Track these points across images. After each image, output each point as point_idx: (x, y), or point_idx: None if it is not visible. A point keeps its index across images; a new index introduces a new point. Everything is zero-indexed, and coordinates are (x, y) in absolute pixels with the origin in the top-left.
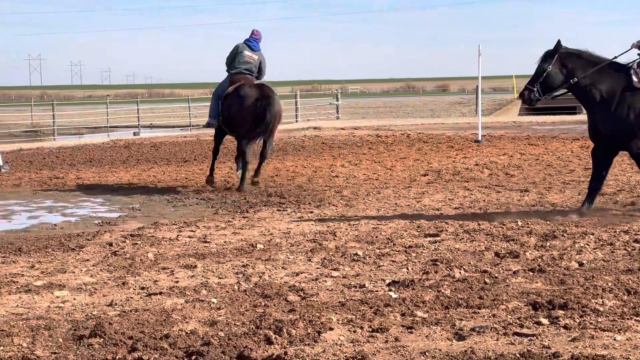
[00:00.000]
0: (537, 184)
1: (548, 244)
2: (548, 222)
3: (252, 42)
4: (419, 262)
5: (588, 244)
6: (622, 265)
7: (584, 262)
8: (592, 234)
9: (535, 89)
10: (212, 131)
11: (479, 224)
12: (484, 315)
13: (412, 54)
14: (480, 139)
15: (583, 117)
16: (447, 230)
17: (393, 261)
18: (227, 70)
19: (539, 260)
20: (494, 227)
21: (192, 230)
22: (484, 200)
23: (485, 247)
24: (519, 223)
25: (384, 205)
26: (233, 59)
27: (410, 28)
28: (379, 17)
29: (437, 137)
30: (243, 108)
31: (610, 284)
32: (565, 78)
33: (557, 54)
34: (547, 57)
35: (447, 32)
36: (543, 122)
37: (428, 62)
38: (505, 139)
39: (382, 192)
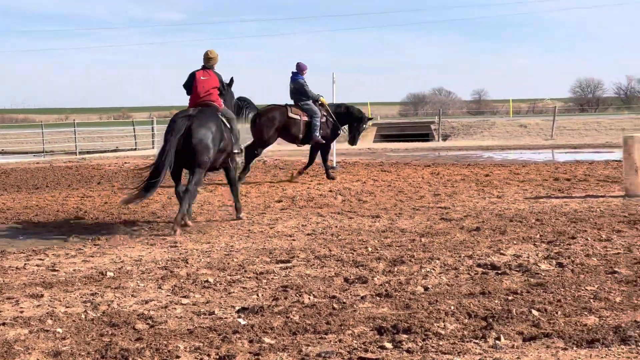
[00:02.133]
0: (389, 209)
1: (396, 269)
2: (397, 248)
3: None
4: (270, 288)
5: (434, 269)
6: (465, 289)
7: (429, 286)
8: (439, 259)
9: None
10: (64, 157)
11: (330, 250)
12: (330, 341)
13: (265, 81)
14: (335, 165)
15: (436, 144)
16: (298, 257)
17: (244, 288)
18: None
19: (387, 285)
20: (345, 253)
21: (40, 259)
22: (336, 227)
23: (335, 273)
24: (369, 249)
25: (237, 232)
26: None
27: (264, 55)
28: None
29: (293, 164)
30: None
31: (452, 308)
32: None
33: None
34: None
35: (304, 59)
36: (397, 148)
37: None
38: (360, 166)
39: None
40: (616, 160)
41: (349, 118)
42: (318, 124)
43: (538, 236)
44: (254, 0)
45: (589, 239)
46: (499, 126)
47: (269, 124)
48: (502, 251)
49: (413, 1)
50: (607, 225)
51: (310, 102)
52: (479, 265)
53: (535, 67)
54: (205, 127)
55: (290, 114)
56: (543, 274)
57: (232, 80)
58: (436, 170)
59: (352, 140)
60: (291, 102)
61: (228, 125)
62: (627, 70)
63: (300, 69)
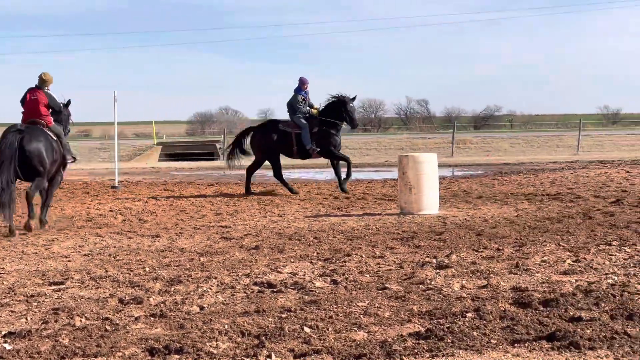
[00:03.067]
0: (169, 229)
1: (173, 288)
2: (175, 268)
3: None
4: (40, 311)
5: (211, 288)
6: (240, 308)
7: (205, 305)
8: (216, 277)
9: None
10: None
11: (106, 271)
12: None
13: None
14: (117, 184)
15: (221, 163)
16: (73, 278)
17: (12, 311)
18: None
19: (162, 305)
20: (122, 273)
21: None
22: (114, 247)
23: (110, 294)
24: (147, 269)
25: (9, 253)
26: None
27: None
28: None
29: (74, 183)
30: None
31: (226, 327)
32: None
33: None
34: None
35: (88, 77)
36: (181, 167)
37: (71, 108)
38: (143, 185)
39: (9, 239)
40: (394, 179)
41: (336, 110)
42: (307, 136)
43: (315, 254)
44: (35, 16)
45: (363, 256)
46: None
47: (262, 138)
48: (279, 269)
49: (199, 19)
50: (381, 243)
51: (299, 115)
52: (255, 284)
53: (323, 87)
54: (36, 140)
55: (281, 127)
56: (317, 291)
57: (69, 101)
58: (219, 189)
59: (352, 123)
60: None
61: (56, 139)
62: (407, 91)
63: (301, 83)
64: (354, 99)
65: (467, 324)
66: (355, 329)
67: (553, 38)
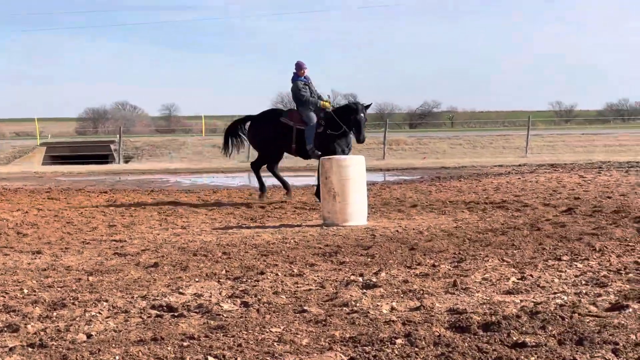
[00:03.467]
0: (53, 244)
1: (55, 314)
2: (59, 289)
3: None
4: None
5: (100, 313)
6: (135, 335)
7: (93, 333)
8: (107, 300)
9: None
10: None
11: None
12: None
13: None
14: None
15: (117, 166)
16: None
17: None
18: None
19: (42, 333)
20: None
21: None
22: None
23: None
24: (25, 291)
25: None
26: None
27: None
28: None
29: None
30: None
31: (117, 358)
32: None
33: None
34: None
35: None
36: (70, 172)
37: None
38: (23, 192)
39: None
40: (317, 185)
41: (345, 115)
42: (311, 134)
43: (224, 272)
44: None
45: (279, 274)
46: (189, 146)
47: (259, 130)
48: (181, 290)
49: (80, 1)
50: (300, 259)
51: (306, 107)
52: (153, 307)
53: (235, 78)
54: None
55: (282, 120)
56: (225, 315)
57: None
58: (113, 197)
59: (358, 136)
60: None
61: None
62: (332, 84)
63: (297, 68)
64: (367, 107)
65: (397, 352)
66: (268, 358)
67: (500, 24)
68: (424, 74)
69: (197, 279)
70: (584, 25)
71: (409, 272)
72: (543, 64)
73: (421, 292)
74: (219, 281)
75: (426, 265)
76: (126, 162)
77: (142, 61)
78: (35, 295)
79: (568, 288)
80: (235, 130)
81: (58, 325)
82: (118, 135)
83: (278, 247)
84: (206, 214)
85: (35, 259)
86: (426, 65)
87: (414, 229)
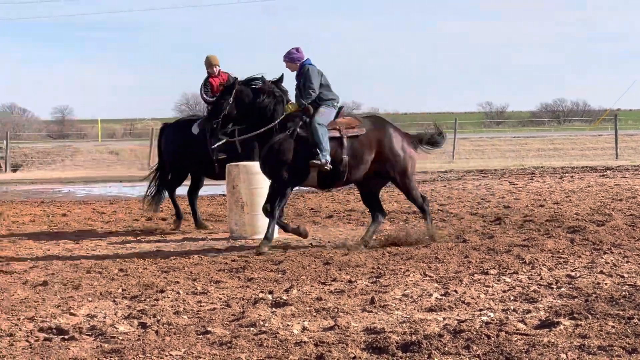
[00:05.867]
0: None
1: None
2: None
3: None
4: None
5: None
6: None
7: None
8: None
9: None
10: None
11: None
12: None
13: None
14: None
15: (3, 176)
16: None
17: None
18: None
19: None
20: None
21: None
22: None
23: None
24: None
25: None
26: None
27: None
28: None
29: None
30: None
31: None
32: None
33: None
34: None
35: None
36: None
37: None
38: None
39: None
40: (223, 195)
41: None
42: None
43: (120, 290)
44: None
45: (181, 292)
46: (84, 153)
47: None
48: (72, 310)
49: None
50: (204, 275)
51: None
52: (41, 330)
53: (132, 80)
54: None
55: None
56: (121, 338)
57: None
58: None
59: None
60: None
61: None
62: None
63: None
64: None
65: None
66: None
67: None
68: (344, 71)
69: (90, 299)
70: (515, 22)
71: (323, 288)
72: (473, 64)
73: (336, 310)
74: (114, 300)
75: (342, 280)
76: (14, 170)
77: (33, 60)
78: None
79: (495, 304)
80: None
81: None
82: (5, 141)
83: (180, 262)
84: (102, 227)
85: None
86: (343, 63)
87: (329, 242)
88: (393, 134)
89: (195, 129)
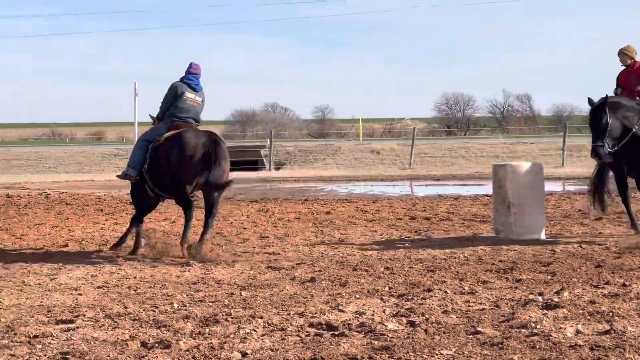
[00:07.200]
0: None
1: (208, 330)
2: (210, 304)
3: (192, 79)
4: (45, 355)
5: (255, 330)
6: (293, 354)
7: (248, 352)
8: (262, 317)
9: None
10: None
11: (125, 307)
12: None
13: (56, 94)
14: None
15: (267, 173)
16: (84, 315)
17: (12, 355)
18: (161, 118)
19: (195, 350)
20: (144, 310)
21: None
22: (134, 277)
23: (130, 336)
24: (175, 306)
25: (7, 284)
26: (171, 104)
27: (53, 59)
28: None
29: (84, 198)
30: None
31: None
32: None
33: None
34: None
35: (101, 65)
36: None
37: (78, 103)
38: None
39: (9, 267)
40: (487, 195)
41: None
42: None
43: (387, 289)
44: None
45: (448, 291)
46: (345, 152)
47: None
48: (341, 307)
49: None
50: (471, 275)
51: None
52: (311, 325)
53: (391, 79)
54: None
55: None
56: (390, 335)
57: None
58: (265, 206)
59: None
60: None
61: None
62: (503, 83)
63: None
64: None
65: None
66: None
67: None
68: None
69: (357, 296)
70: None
71: (595, 291)
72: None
73: (611, 314)
74: (381, 298)
75: (615, 284)
76: (277, 168)
77: (295, 60)
78: (185, 310)
79: None
80: None
81: (211, 343)
82: (268, 140)
83: (446, 262)
84: (365, 226)
85: (185, 271)
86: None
87: (599, 244)
88: None
89: None
